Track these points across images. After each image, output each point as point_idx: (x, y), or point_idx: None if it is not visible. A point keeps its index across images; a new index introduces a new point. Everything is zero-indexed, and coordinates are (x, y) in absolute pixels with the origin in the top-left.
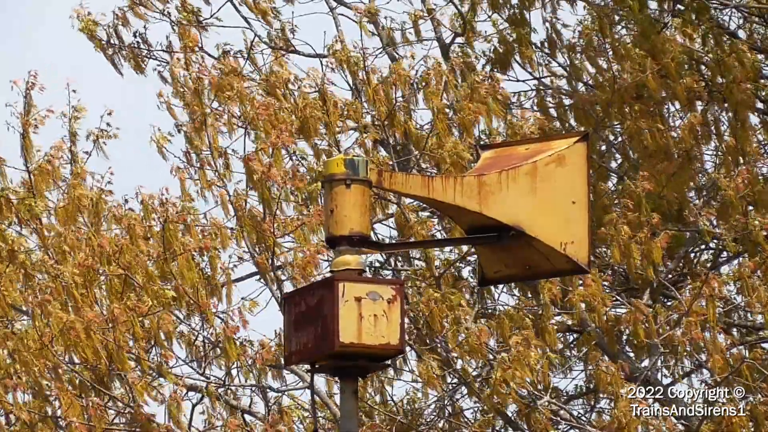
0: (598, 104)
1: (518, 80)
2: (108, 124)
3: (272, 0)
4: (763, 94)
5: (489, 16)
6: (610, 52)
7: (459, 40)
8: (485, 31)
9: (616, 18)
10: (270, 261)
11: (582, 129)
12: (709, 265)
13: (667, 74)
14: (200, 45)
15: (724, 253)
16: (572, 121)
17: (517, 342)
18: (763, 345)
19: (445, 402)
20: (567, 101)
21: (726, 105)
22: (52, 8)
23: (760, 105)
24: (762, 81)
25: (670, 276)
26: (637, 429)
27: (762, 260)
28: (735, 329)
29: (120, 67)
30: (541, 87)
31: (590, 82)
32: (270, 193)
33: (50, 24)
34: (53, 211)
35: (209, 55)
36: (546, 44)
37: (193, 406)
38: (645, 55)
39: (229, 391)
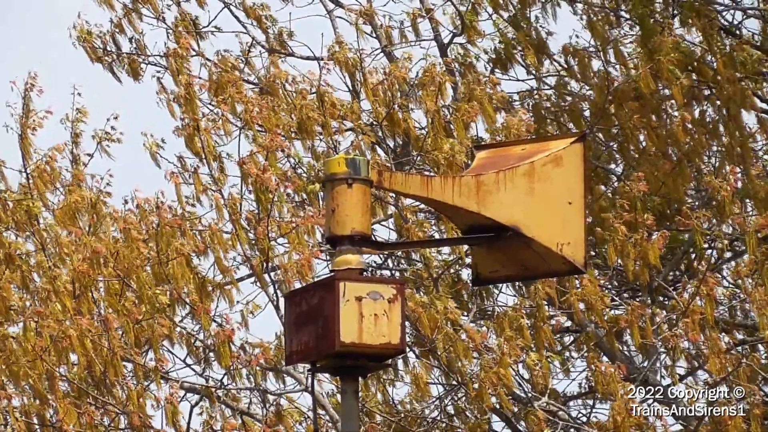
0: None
1: (518, 80)
2: (112, 128)
3: (267, 8)
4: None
5: (490, 16)
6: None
7: (458, 39)
8: (484, 31)
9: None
10: (265, 264)
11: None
12: (708, 265)
13: (662, 74)
14: (196, 50)
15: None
16: (569, 125)
17: (504, 341)
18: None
19: (445, 402)
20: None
21: (718, 103)
22: (57, 11)
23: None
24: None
25: (670, 276)
26: (632, 429)
27: (759, 260)
28: (736, 329)
29: (119, 74)
30: (534, 89)
31: (587, 83)
32: (265, 196)
33: (55, 26)
34: (52, 213)
35: (207, 59)
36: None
37: (192, 407)
38: (642, 55)
39: (228, 393)
